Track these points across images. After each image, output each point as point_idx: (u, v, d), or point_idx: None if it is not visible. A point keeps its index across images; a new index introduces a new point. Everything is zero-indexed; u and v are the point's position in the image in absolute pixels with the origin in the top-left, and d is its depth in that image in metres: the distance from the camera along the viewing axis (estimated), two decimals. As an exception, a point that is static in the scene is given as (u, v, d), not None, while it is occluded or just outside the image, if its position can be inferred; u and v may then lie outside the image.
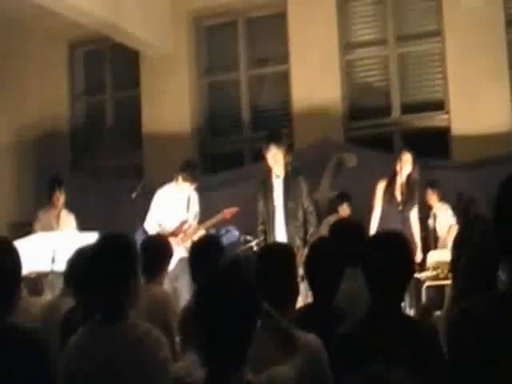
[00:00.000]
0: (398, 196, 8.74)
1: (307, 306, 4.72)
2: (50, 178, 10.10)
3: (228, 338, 2.65)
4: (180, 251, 8.21)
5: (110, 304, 3.53)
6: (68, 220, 10.01)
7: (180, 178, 8.82)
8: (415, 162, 8.82)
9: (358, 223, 5.89)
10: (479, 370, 2.49)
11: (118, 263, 3.53)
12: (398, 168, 8.72)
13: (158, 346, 3.42)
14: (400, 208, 8.64)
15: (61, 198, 9.95)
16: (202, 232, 8.80)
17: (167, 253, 6.17)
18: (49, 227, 9.66)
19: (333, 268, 4.49)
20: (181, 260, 8.07)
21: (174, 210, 8.86)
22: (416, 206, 8.84)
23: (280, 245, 5.03)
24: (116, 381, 3.39)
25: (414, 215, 8.85)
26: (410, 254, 3.56)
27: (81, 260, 5.35)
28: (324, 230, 9.48)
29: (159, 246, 6.12)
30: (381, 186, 8.84)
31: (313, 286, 4.50)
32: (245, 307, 2.70)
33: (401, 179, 8.71)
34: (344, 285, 5.13)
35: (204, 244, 5.40)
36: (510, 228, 2.49)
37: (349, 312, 4.16)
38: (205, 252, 5.18)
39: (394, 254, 3.47)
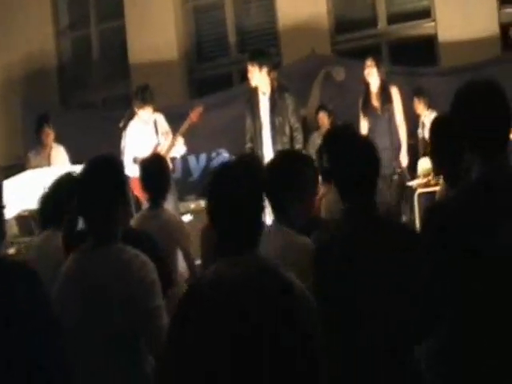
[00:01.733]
0: (375, 102, 8.85)
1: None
2: (38, 117, 10.00)
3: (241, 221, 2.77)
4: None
5: (98, 228, 3.53)
6: (60, 155, 9.91)
7: (135, 108, 8.79)
8: (378, 64, 8.93)
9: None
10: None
11: (105, 186, 3.51)
12: (365, 76, 8.88)
13: (145, 269, 3.43)
14: (379, 113, 8.71)
15: (50, 134, 9.82)
16: (179, 141, 8.81)
17: (165, 171, 6.10)
18: (40, 167, 9.60)
19: None
20: None
21: (143, 140, 8.80)
22: (396, 106, 8.83)
23: None
24: (104, 303, 3.40)
25: (398, 116, 8.84)
26: (372, 153, 3.55)
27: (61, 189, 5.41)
28: (311, 147, 9.55)
29: (158, 166, 5.99)
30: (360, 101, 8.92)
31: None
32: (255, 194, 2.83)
33: (373, 86, 8.86)
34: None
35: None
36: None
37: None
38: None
39: (355, 155, 3.47)
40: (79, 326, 3.42)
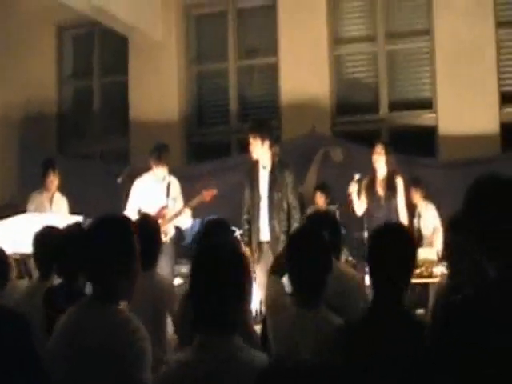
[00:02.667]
0: (379, 190, 8.83)
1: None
2: (44, 161, 10.02)
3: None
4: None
5: (99, 285, 3.50)
6: (61, 203, 10.00)
7: (152, 164, 8.82)
8: (389, 152, 8.86)
9: (330, 212, 5.87)
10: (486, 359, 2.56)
11: (114, 245, 3.49)
12: (373, 161, 8.83)
13: (137, 335, 3.37)
14: (382, 202, 8.71)
15: (55, 180, 9.94)
16: (186, 213, 8.80)
17: (159, 235, 6.07)
18: (42, 209, 9.63)
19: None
20: None
21: (153, 196, 8.82)
22: (400, 196, 8.82)
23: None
24: (91, 364, 3.36)
25: (400, 206, 8.83)
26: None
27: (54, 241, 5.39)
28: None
29: (152, 229, 5.98)
30: (354, 187, 8.83)
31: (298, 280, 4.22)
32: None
33: (379, 173, 8.84)
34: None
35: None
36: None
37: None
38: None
39: (398, 247, 3.45)
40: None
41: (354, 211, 8.95)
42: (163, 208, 8.80)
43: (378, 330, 3.32)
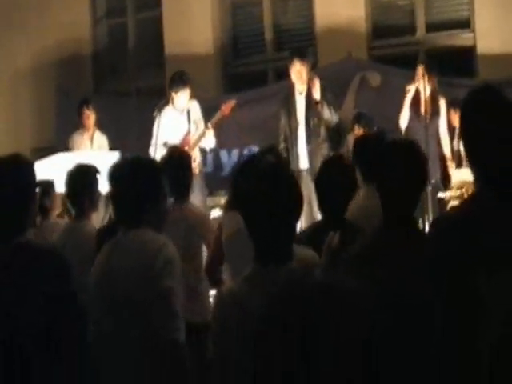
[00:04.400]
0: (423, 111, 8.78)
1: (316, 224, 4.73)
2: (78, 100, 10.11)
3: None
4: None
5: (128, 217, 3.68)
6: (101, 141, 10.12)
7: (172, 93, 8.80)
8: (430, 74, 8.87)
9: (380, 137, 5.85)
10: None
11: (139, 181, 3.64)
12: (416, 82, 8.89)
13: (164, 249, 3.55)
14: (425, 123, 8.66)
15: (91, 116, 10.06)
16: (209, 133, 8.77)
17: (191, 166, 6.10)
18: (83, 149, 9.75)
19: (342, 187, 4.48)
20: None
21: (176, 127, 8.83)
22: (442, 117, 8.83)
23: None
24: (126, 286, 3.52)
25: (442, 128, 8.85)
26: (423, 163, 3.49)
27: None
28: (346, 150, 9.54)
29: (184, 160, 6.01)
30: (409, 96, 8.90)
31: (323, 205, 4.49)
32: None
33: (423, 94, 8.79)
34: (362, 202, 5.16)
35: None
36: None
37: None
38: None
39: (406, 163, 3.39)
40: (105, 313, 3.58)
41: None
42: (187, 135, 8.79)
43: (389, 250, 3.27)
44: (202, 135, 8.78)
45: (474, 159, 2.73)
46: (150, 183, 3.65)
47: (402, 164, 3.38)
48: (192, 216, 5.70)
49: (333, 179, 4.46)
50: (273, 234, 2.81)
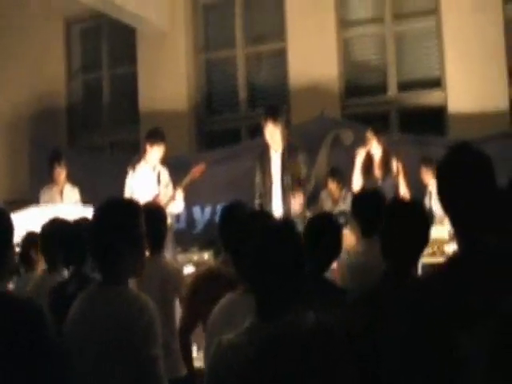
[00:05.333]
0: (377, 172, 9.02)
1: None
2: (50, 154, 10.11)
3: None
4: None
5: (105, 269, 3.56)
6: (71, 195, 10.07)
7: (147, 145, 8.85)
8: (378, 135, 9.04)
9: (378, 194, 5.89)
10: None
11: (118, 227, 3.52)
12: (366, 146, 9.06)
13: (144, 312, 3.42)
14: (379, 183, 8.84)
15: (62, 172, 10.02)
16: (178, 196, 8.78)
17: (166, 219, 6.11)
18: (53, 203, 9.71)
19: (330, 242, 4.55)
20: None
21: (145, 185, 8.84)
22: (400, 178, 8.96)
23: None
24: (103, 347, 3.41)
25: (402, 187, 8.97)
26: (427, 222, 3.58)
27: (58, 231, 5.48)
28: (320, 206, 9.61)
29: (159, 213, 6.01)
30: (359, 159, 9.03)
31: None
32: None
33: (375, 156, 9.02)
34: (362, 257, 5.19)
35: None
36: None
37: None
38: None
39: (412, 222, 3.52)
40: (82, 367, 3.45)
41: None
42: (157, 196, 8.81)
43: (386, 302, 3.34)
44: (172, 199, 8.80)
45: (453, 216, 2.77)
46: (133, 227, 3.57)
47: (408, 223, 3.50)
48: (167, 269, 5.68)
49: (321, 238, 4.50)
50: (272, 288, 2.78)
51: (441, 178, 2.81)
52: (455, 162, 2.77)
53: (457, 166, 2.76)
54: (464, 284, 2.63)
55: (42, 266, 6.78)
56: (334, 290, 4.43)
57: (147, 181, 8.89)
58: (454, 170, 2.76)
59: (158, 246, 5.68)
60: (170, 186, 8.98)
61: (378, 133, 9.09)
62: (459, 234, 2.74)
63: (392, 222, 3.60)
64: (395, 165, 8.99)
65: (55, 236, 5.56)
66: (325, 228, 4.61)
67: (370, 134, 9.07)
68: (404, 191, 8.95)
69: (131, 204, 3.75)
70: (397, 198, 4.11)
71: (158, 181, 8.95)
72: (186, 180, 8.82)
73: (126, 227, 3.53)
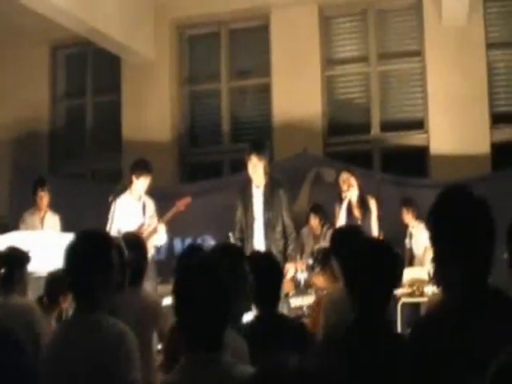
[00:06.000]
0: (356, 212, 9.02)
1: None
2: (34, 179, 10.08)
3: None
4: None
5: (81, 298, 3.66)
6: (52, 222, 10.00)
7: (133, 177, 8.82)
8: (356, 177, 9.09)
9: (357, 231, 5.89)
10: None
11: (90, 258, 3.64)
12: (343, 188, 9.05)
13: (122, 339, 3.50)
14: (359, 223, 8.83)
15: (44, 198, 9.99)
16: (161, 228, 8.75)
17: (146, 251, 6.08)
18: (33, 229, 9.63)
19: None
20: None
21: (130, 216, 8.79)
22: (373, 216, 8.98)
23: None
24: (81, 376, 3.43)
25: (374, 226, 8.97)
26: (398, 264, 3.56)
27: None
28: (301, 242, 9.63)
29: (139, 244, 5.99)
30: (345, 203, 9.02)
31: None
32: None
33: (352, 197, 9.03)
34: (342, 293, 5.18)
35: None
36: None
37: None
38: None
39: (380, 266, 3.44)
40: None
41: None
42: (140, 227, 8.76)
43: (361, 345, 3.31)
44: (154, 231, 8.75)
45: (452, 259, 2.79)
46: (105, 260, 3.66)
47: (377, 264, 3.43)
48: (145, 301, 5.66)
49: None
50: (201, 322, 2.86)
51: (439, 221, 2.81)
52: (453, 205, 2.82)
53: (457, 209, 2.80)
54: (467, 327, 2.64)
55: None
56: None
57: (132, 211, 8.84)
58: (453, 212, 2.80)
59: (137, 277, 5.67)
60: (155, 218, 8.94)
61: (353, 173, 9.12)
62: (458, 276, 2.74)
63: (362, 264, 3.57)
64: (371, 202, 9.03)
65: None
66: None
67: (345, 175, 9.08)
68: (375, 229, 8.98)
69: (104, 235, 3.91)
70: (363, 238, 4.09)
71: (144, 211, 8.91)
72: (170, 213, 8.78)
73: (97, 258, 3.64)
